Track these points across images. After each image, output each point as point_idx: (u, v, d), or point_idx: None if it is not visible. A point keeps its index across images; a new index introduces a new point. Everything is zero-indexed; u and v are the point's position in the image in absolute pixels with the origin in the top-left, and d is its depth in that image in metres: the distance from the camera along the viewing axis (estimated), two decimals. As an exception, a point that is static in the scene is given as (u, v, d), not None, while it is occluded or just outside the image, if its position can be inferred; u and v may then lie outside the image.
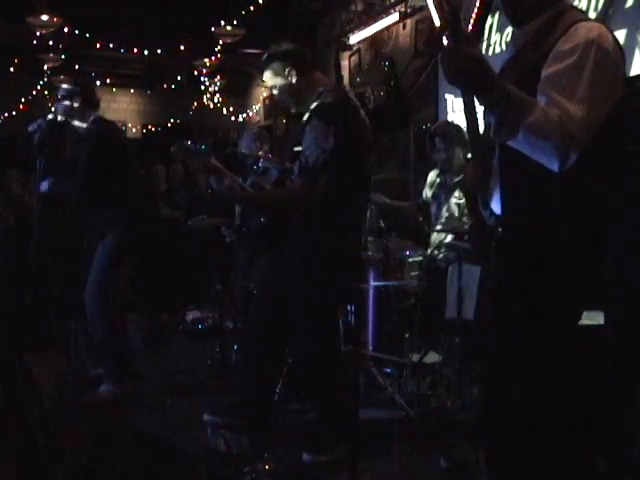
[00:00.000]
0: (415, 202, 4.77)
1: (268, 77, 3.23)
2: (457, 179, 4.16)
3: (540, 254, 1.83)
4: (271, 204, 3.25)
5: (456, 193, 4.16)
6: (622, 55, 1.80)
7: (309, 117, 3.08)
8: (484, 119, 1.90)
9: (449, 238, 4.05)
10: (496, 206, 1.93)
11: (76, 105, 3.94)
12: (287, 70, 3.16)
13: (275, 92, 3.25)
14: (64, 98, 3.95)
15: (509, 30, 5.49)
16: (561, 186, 1.77)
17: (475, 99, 1.73)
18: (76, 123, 3.99)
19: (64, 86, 4.03)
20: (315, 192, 2.98)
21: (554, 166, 1.66)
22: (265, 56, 3.24)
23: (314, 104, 3.11)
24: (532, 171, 1.75)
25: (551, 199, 1.81)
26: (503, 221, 1.92)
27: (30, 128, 3.85)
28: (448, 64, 1.59)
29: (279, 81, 3.19)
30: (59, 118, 3.95)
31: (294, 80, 3.16)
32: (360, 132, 3.11)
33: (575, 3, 4.61)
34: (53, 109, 4.00)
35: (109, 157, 3.89)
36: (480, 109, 1.87)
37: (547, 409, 1.89)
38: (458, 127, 4.28)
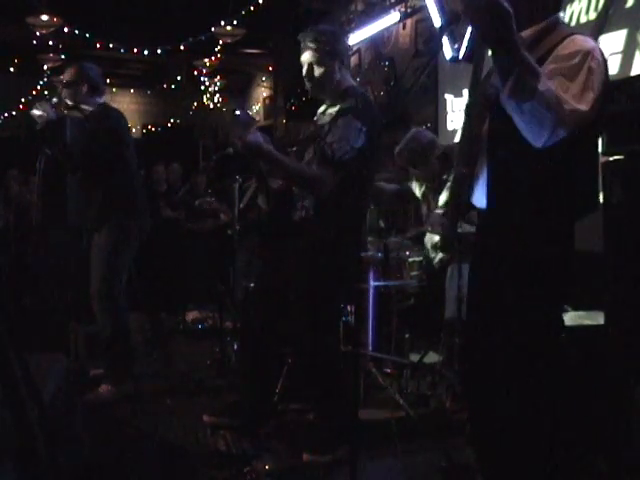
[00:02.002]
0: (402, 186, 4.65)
1: (312, 52, 3.12)
2: (443, 177, 4.16)
3: (525, 246, 1.91)
4: (293, 174, 3.14)
5: (444, 193, 4.16)
6: (607, 70, 1.95)
7: (341, 113, 3.05)
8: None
9: (437, 238, 4.05)
10: (480, 198, 2.00)
11: (84, 90, 3.95)
12: (338, 62, 3.12)
13: (313, 72, 3.14)
14: (70, 84, 3.96)
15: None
16: (548, 179, 1.88)
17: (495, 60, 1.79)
18: (83, 107, 3.97)
19: (71, 71, 4.02)
20: (330, 185, 2.98)
21: (541, 139, 1.76)
22: (329, 34, 3.16)
23: (345, 103, 3.08)
24: (520, 163, 1.87)
25: (538, 191, 1.90)
26: (488, 213, 1.98)
27: (33, 111, 3.83)
28: (484, 15, 1.66)
29: (323, 63, 3.11)
30: (68, 103, 3.96)
31: (334, 70, 3.12)
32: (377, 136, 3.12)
33: (575, 3, 4.62)
34: (61, 93, 3.99)
35: (110, 139, 3.86)
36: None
37: (536, 407, 1.91)
38: (421, 139, 4.20)
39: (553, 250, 1.92)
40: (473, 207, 2.07)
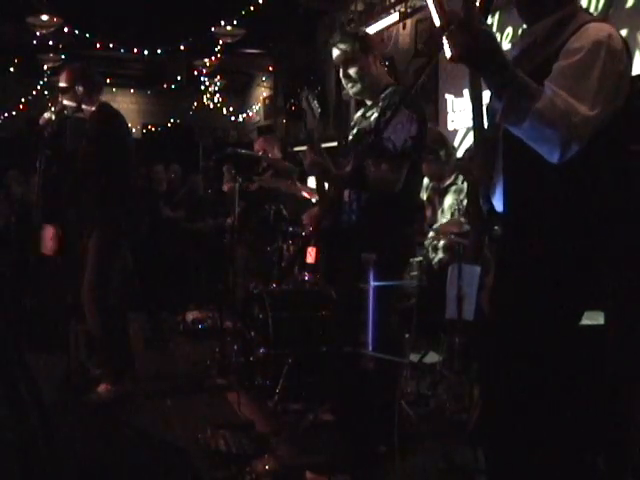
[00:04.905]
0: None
1: (343, 50, 3.02)
2: (448, 182, 4.17)
3: (542, 252, 1.83)
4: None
5: (449, 196, 4.16)
6: (630, 56, 1.81)
7: (391, 106, 2.94)
8: (489, 107, 1.90)
9: (442, 242, 4.06)
10: (498, 203, 1.93)
11: (81, 89, 3.96)
12: (371, 56, 3.04)
13: (349, 71, 3.01)
14: (66, 90, 3.97)
15: (509, 30, 5.49)
16: (564, 184, 1.78)
17: (483, 86, 1.72)
18: (85, 107, 3.99)
19: (64, 77, 4.05)
20: (399, 179, 2.89)
21: (554, 156, 1.66)
22: (354, 34, 3.10)
23: (388, 97, 3.00)
24: (536, 168, 1.75)
25: (554, 196, 1.80)
26: (505, 218, 1.92)
27: (41, 122, 3.94)
28: (459, 38, 1.59)
29: (357, 60, 3.01)
30: (68, 106, 3.99)
31: (369, 65, 3.03)
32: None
33: (575, 3, 4.61)
34: (60, 99, 4.02)
35: (110, 143, 3.87)
36: (486, 102, 1.87)
37: (547, 408, 1.90)
38: (432, 134, 4.21)
39: (572, 257, 1.81)
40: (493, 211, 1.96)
